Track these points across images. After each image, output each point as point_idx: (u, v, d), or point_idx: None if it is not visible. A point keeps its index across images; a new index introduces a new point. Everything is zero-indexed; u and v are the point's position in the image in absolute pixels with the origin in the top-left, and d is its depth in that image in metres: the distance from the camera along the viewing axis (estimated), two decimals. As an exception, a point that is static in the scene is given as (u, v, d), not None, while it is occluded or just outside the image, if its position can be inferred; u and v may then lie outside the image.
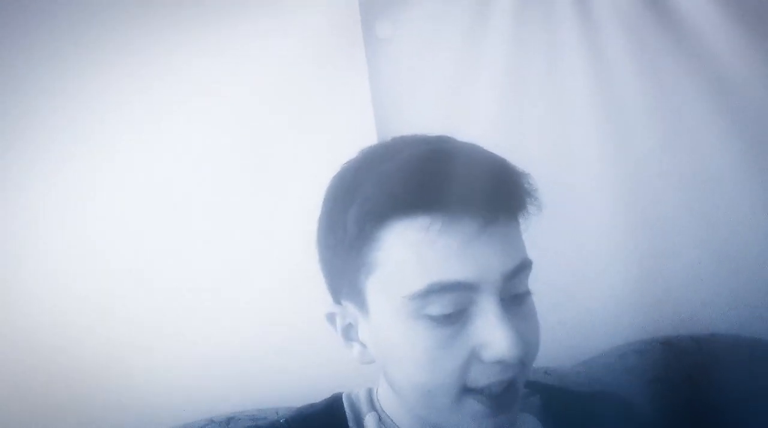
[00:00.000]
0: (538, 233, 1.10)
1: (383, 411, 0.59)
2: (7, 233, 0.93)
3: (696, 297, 1.16)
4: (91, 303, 0.94)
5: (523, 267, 0.51)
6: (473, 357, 0.48)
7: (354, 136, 1.01)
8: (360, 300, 0.53)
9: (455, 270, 0.47)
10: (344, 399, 0.62)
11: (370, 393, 0.62)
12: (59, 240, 0.94)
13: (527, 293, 0.52)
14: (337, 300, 0.57)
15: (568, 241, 1.14)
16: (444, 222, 0.47)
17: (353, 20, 1.06)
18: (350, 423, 0.59)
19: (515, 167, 0.53)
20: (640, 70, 1.21)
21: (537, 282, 1.09)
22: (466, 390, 0.49)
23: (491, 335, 0.47)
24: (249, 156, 1.01)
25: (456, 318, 0.48)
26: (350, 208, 0.51)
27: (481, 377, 0.48)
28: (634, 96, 1.22)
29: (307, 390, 0.94)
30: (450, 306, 0.48)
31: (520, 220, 0.54)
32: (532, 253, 1.09)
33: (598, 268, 1.15)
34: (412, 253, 0.48)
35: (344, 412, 0.60)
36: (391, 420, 0.58)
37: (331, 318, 0.58)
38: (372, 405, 0.60)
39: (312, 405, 0.62)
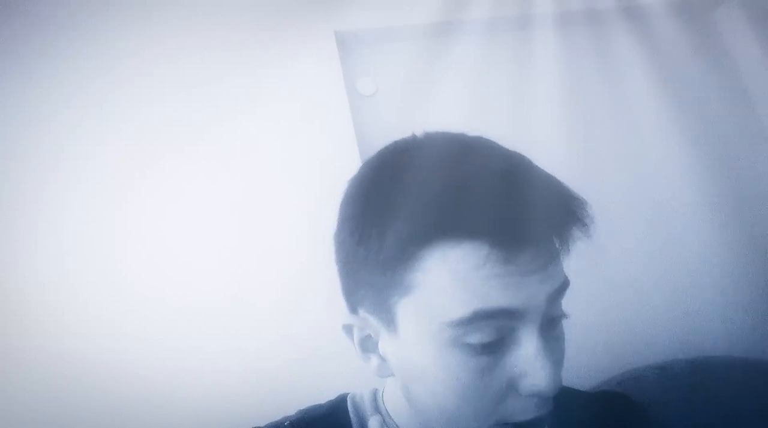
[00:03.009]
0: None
1: (387, 414, 0.58)
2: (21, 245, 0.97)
3: (689, 322, 1.19)
4: (105, 325, 0.97)
5: (564, 287, 0.48)
6: (510, 387, 0.46)
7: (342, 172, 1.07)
8: (387, 318, 0.50)
9: (501, 297, 0.45)
10: (349, 401, 0.61)
11: (374, 394, 0.61)
12: (81, 261, 0.99)
13: (562, 315, 0.50)
14: (354, 309, 0.53)
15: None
16: (489, 248, 0.44)
17: (336, 79, 1.13)
18: (354, 426, 0.58)
19: (573, 195, 0.48)
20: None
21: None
22: (502, 424, 0.47)
23: (531, 367, 0.45)
24: (259, 182, 1.07)
25: (496, 347, 0.46)
26: (392, 223, 0.46)
27: (520, 412, 0.47)
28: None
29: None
30: (491, 334, 0.45)
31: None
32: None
33: (595, 298, 1.18)
34: (457, 279, 0.45)
35: (348, 414, 0.59)
36: (395, 423, 0.57)
37: (348, 329, 0.54)
38: (376, 407, 0.59)
39: (316, 407, 0.61)
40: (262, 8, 1.14)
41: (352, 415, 0.59)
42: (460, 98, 1.25)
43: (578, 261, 1.13)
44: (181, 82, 1.09)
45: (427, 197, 0.46)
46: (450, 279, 0.45)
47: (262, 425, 0.58)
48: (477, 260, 0.44)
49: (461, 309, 0.45)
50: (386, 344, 0.51)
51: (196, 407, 0.94)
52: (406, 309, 0.48)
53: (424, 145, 0.51)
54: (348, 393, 0.62)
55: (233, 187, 1.06)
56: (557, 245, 0.48)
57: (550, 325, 0.48)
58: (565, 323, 1.12)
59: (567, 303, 1.12)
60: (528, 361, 0.45)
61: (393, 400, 0.58)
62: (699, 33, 1.39)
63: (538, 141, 1.24)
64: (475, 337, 0.45)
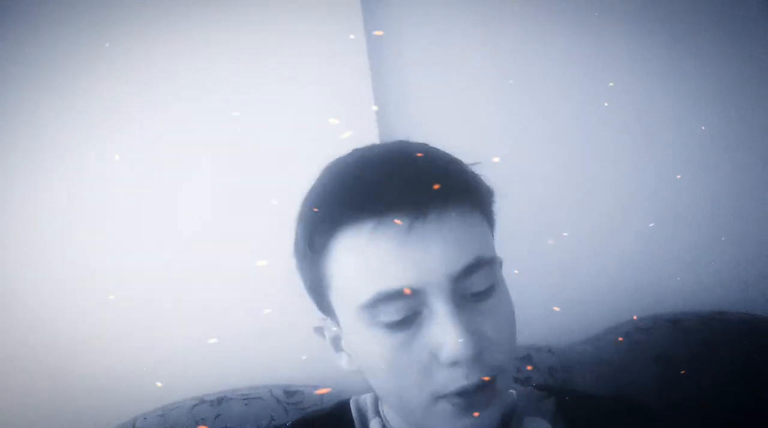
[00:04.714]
0: (539, 211, 1.09)
1: (385, 417, 0.59)
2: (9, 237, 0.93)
3: (703, 274, 1.14)
4: (84, 280, 0.92)
5: (477, 266, 0.48)
6: (433, 359, 0.48)
7: (357, 132, 1.00)
8: (331, 313, 0.54)
9: (396, 276, 0.47)
10: (351, 404, 0.62)
11: (375, 398, 0.62)
12: (58, 236, 0.94)
13: (491, 288, 0.50)
14: (325, 314, 0.57)
15: (570, 218, 1.12)
16: (373, 225, 0.47)
17: (355, 18, 1.03)
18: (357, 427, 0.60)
19: (447, 158, 0.52)
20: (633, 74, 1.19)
21: (540, 261, 1.07)
22: (437, 397, 0.48)
23: (442, 336, 0.46)
24: (247, 159, 0.99)
25: (410, 323, 0.48)
26: (299, 227, 0.54)
27: (449, 382, 0.47)
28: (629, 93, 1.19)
29: (300, 367, 0.92)
30: (401, 311, 0.47)
31: (478, 213, 0.52)
32: (531, 231, 1.06)
33: (601, 245, 1.12)
34: (355, 262, 0.48)
35: (351, 417, 0.60)
36: (392, 426, 0.58)
37: (318, 331, 0.58)
38: (377, 410, 0.60)
39: (319, 410, 0.65)
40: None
41: (355, 417, 0.60)
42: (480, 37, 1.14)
43: (580, 202, 1.11)
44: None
45: (315, 196, 0.52)
46: (354, 264, 0.48)
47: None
48: (362, 237, 0.47)
49: (364, 293, 0.48)
50: (343, 339, 0.55)
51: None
52: (335, 300, 0.52)
53: (339, 160, 0.55)
54: (351, 397, 0.63)
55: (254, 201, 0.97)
56: (460, 219, 0.49)
57: (473, 299, 0.49)
58: (579, 263, 1.11)
59: (567, 241, 1.09)
60: (439, 332, 0.46)
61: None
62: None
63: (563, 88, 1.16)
64: (386, 317, 0.47)
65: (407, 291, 0.47)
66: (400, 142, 0.56)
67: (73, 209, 0.94)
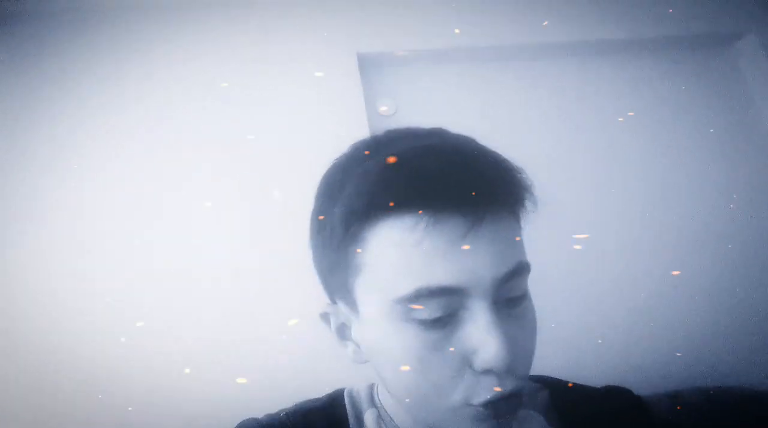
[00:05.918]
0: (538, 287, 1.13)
1: (383, 408, 0.58)
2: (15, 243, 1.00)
3: (705, 350, 1.17)
4: (95, 321, 0.98)
5: (519, 271, 0.47)
6: (465, 364, 0.46)
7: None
8: (351, 301, 0.51)
9: (443, 274, 0.45)
10: (345, 395, 0.60)
11: (371, 389, 0.61)
12: (69, 246, 1.01)
13: (524, 296, 0.49)
14: (333, 300, 0.55)
15: (571, 296, 1.16)
16: (429, 223, 0.45)
17: (356, 96, 1.15)
18: (350, 419, 0.58)
19: (505, 162, 0.50)
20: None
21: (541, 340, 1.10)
22: (467, 404, 0.47)
23: (481, 341, 0.45)
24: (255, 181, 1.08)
25: (446, 322, 0.46)
26: (335, 208, 0.49)
27: (479, 391, 0.46)
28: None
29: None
30: (439, 310, 0.45)
31: (516, 219, 0.51)
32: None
33: (606, 320, 1.16)
34: (399, 255, 0.46)
35: (345, 408, 0.59)
36: (390, 418, 0.57)
37: (325, 317, 0.56)
38: (372, 401, 0.59)
39: (313, 400, 0.61)
40: (289, 29, 1.19)
41: (348, 408, 0.59)
42: (477, 121, 1.25)
43: (589, 284, 1.15)
44: (202, 100, 1.12)
45: (361, 178, 0.47)
46: (393, 256, 0.46)
47: (258, 416, 0.59)
48: (416, 233, 0.45)
49: (405, 286, 0.45)
50: (356, 329, 0.52)
51: (195, 403, 0.95)
52: (360, 289, 0.49)
53: (378, 139, 0.53)
54: (345, 388, 0.62)
55: (250, 207, 1.08)
56: (507, 223, 0.48)
57: (509, 304, 0.47)
58: (571, 344, 1.13)
59: (576, 325, 1.12)
60: (478, 336, 0.45)
61: (386, 394, 0.58)
62: (718, 67, 1.39)
63: (551, 168, 1.25)
64: (424, 313, 0.45)
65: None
66: (444, 131, 0.53)
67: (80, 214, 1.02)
